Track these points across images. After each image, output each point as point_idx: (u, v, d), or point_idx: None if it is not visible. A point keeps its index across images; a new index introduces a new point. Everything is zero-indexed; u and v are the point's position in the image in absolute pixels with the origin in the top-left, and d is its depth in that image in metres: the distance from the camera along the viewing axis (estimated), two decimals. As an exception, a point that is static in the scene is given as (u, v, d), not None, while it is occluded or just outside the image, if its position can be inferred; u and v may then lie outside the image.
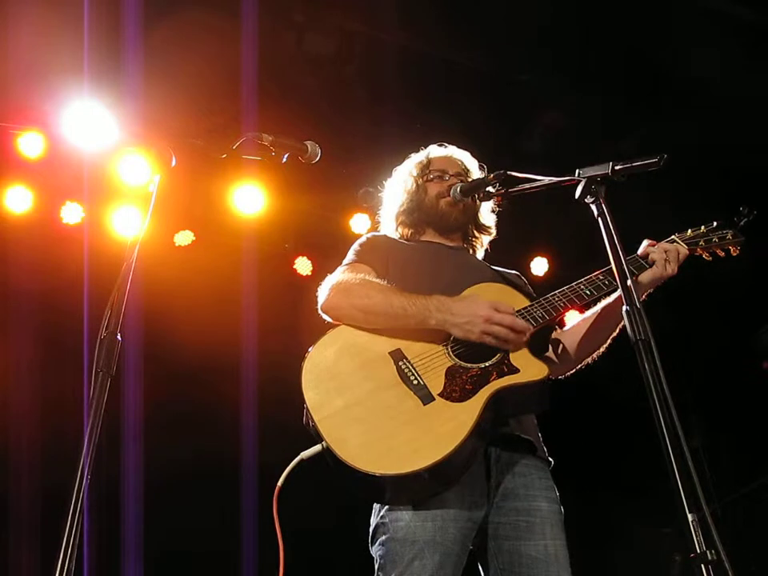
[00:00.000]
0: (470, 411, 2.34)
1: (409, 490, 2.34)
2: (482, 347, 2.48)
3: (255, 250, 5.68)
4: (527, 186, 2.65)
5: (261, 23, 4.80)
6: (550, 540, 2.46)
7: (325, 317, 2.67)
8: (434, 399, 2.38)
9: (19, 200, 5.24)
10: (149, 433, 5.25)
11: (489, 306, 2.47)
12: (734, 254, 2.89)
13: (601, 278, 2.67)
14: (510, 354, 2.48)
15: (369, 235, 2.99)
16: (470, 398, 2.38)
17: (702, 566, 1.73)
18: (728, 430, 6.35)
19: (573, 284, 2.68)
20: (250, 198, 5.58)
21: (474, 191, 2.88)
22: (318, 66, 5.29)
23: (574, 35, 5.06)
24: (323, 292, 2.68)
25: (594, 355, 2.84)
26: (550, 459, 2.65)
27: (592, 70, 5.29)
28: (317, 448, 2.37)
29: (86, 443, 1.88)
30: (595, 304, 2.79)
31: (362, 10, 5.03)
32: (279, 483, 2.37)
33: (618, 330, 2.76)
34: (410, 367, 2.46)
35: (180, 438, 5.11)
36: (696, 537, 1.74)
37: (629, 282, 2.11)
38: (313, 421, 2.36)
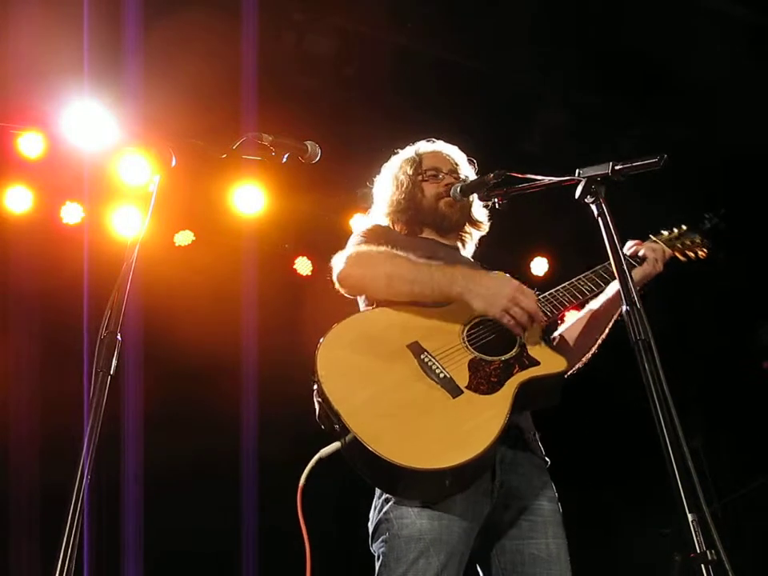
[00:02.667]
0: (501, 404, 2.34)
1: (437, 486, 2.30)
2: (498, 340, 2.48)
3: (255, 249, 5.68)
4: (527, 186, 2.65)
5: (261, 23, 4.80)
6: (552, 539, 2.46)
7: (340, 287, 2.64)
8: (463, 392, 2.36)
9: (19, 200, 5.24)
10: (149, 432, 5.25)
11: (516, 286, 2.49)
12: (702, 257, 3.01)
13: (600, 273, 2.70)
14: (528, 348, 2.49)
15: (371, 224, 2.97)
16: (498, 390, 2.37)
17: (702, 565, 1.73)
18: (728, 430, 6.35)
19: (573, 280, 2.70)
20: (250, 198, 5.58)
21: (474, 191, 2.88)
22: (317, 67, 5.29)
23: (573, 35, 5.07)
24: (339, 262, 2.64)
25: (584, 359, 2.85)
26: (547, 459, 2.65)
27: (592, 69, 5.29)
28: (335, 446, 2.33)
29: (85, 443, 1.88)
30: (585, 305, 2.81)
31: (361, 11, 5.03)
32: (301, 483, 2.32)
33: (606, 332, 2.79)
34: (433, 360, 2.44)
35: (180, 437, 5.11)
36: (696, 537, 1.74)
37: (629, 282, 2.11)
38: (337, 413, 2.30)
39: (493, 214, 3.09)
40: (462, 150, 3.12)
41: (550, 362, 2.46)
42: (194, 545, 5.32)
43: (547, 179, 2.55)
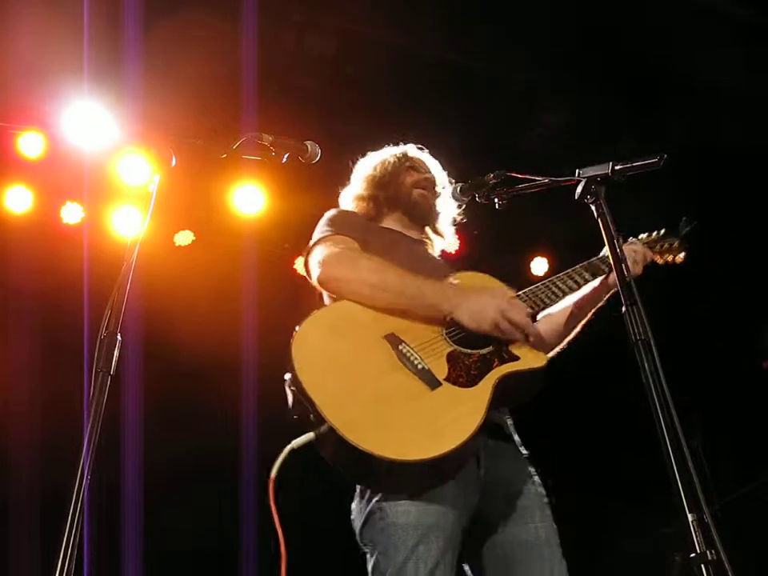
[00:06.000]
0: (480, 396, 2.32)
1: (417, 478, 2.28)
2: (477, 335, 2.46)
3: (255, 250, 5.69)
4: (527, 186, 2.66)
5: (260, 23, 4.80)
6: (540, 523, 2.45)
7: (321, 288, 2.62)
8: (441, 384, 2.34)
9: (19, 200, 5.24)
10: (149, 432, 5.25)
11: (505, 300, 2.49)
12: (678, 262, 3.06)
13: (581, 271, 2.74)
14: (508, 343, 2.47)
15: (340, 209, 2.99)
16: (478, 383, 2.35)
17: (702, 565, 1.73)
18: (728, 430, 6.35)
19: (553, 277, 2.71)
20: (250, 198, 5.58)
21: (474, 191, 2.88)
22: (317, 66, 5.29)
23: (574, 35, 5.07)
24: (316, 262, 2.62)
25: (564, 343, 2.88)
26: (525, 451, 2.62)
27: (592, 70, 5.29)
28: (308, 436, 2.29)
29: (86, 443, 1.88)
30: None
31: (361, 11, 5.03)
32: (272, 474, 2.28)
33: (589, 317, 2.84)
34: (412, 351, 2.41)
35: (180, 437, 5.12)
36: (696, 537, 1.74)
37: (630, 282, 2.11)
38: (312, 403, 2.26)
39: (493, 214, 3.10)
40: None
41: (529, 358, 2.45)
42: (194, 545, 5.32)
43: (547, 179, 2.56)
